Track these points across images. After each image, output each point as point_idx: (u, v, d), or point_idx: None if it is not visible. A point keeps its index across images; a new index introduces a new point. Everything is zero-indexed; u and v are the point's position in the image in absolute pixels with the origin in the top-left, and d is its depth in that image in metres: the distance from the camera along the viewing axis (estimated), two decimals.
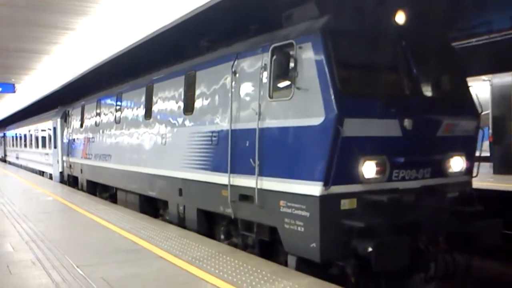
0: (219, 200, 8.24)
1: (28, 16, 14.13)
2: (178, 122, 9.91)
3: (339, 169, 6.12)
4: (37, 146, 28.69)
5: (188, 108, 9.52)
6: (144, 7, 11.32)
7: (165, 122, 10.52)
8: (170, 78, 10.43)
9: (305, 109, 6.48)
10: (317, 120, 6.26)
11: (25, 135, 33.77)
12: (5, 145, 47.16)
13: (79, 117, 18.19)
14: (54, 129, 22.75)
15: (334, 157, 6.07)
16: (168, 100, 10.45)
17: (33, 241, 8.59)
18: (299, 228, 6.50)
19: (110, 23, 14.05)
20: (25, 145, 33.78)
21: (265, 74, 7.22)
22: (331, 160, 6.08)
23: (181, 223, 9.76)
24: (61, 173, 21.72)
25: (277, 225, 6.93)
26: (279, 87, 7.01)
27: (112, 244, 8.22)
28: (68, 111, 20.34)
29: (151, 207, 11.82)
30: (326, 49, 6.31)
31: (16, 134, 38.69)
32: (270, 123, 7.10)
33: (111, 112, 14.42)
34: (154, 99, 11.12)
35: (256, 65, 7.48)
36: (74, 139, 18.99)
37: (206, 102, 8.89)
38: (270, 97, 7.11)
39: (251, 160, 7.35)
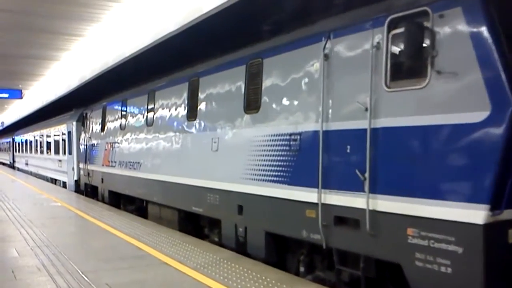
0: (302, 222, 6.42)
1: (37, 23, 13.98)
2: (236, 123, 8.03)
3: None
4: (49, 152, 26.83)
5: (251, 105, 7.66)
6: None
7: (216, 123, 8.64)
8: (223, 69, 8.55)
9: (453, 100, 4.67)
10: (477, 115, 4.43)
11: (36, 140, 31.93)
12: (13, 150, 45.47)
13: (100, 120, 16.29)
14: (69, 133, 20.87)
15: (510, 169, 4.21)
16: (220, 96, 8.57)
17: (38, 247, 8.43)
18: (443, 268, 4.66)
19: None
20: (36, 151, 31.93)
21: (379, 55, 5.39)
22: (504, 172, 4.23)
23: (240, 248, 7.87)
24: (77, 181, 19.79)
25: (401, 261, 5.09)
26: (403, 73, 5.17)
27: (117, 250, 8.14)
28: (86, 114, 18.43)
29: (194, 225, 9.96)
30: (489, 16, 4.47)
31: (26, 139, 36.92)
32: (389, 121, 5.26)
33: (141, 113, 12.50)
34: (201, 95, 9.24)
35: (362, 45, 5.64)
36: (93, 144, 17.07)
37: (279, 97, 7.02)
38: (388, 86, 5.29)
39: (357, 171, 5.52)
